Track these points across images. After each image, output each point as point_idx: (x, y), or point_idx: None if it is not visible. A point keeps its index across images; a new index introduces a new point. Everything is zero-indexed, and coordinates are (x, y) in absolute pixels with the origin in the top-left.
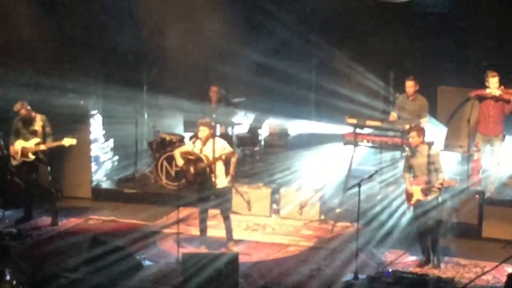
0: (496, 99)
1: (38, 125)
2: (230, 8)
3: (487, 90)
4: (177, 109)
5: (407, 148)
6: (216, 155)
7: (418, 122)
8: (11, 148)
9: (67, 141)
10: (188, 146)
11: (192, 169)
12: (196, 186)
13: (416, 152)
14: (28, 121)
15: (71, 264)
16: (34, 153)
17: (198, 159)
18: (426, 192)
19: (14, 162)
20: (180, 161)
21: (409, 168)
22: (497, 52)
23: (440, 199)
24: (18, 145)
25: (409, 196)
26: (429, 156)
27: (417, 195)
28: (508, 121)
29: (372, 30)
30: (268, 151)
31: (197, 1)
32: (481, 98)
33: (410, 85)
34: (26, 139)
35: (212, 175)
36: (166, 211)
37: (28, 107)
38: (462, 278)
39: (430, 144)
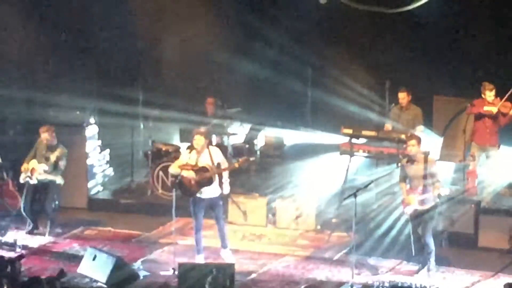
0: (494, 117)
1: (54, 155)
2: (225, 19)
3: (485, 108)
4: (173, 120)
5: (401, 157)
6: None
7: (413, 132)
8: (24, 165)
9: (60, 179)
10: (183, 157)
11: (194, 180)
12: (186, 194)
13: (413, 161)
14: (49, 147)
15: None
16: (39, 179)
17: (202, 169)
18: (422, 201)
19: (21, 179)
20: (178, 170)
21: (405, 177)
22: (492, 61)
23: (437, 208)
24: (31, 164)
25: (406, 205)
26: (425, 165)
27: (414, 204)
28: (503, 132)
29: (368, 41)
30: (264, 161)
31: (192, 13)
32: (480, 115)
33: (402, 97)
34: (39, 161)
35: (214, 184)
36: (162, 221)
37: (54, 134)
38: None
39: (426, 154)
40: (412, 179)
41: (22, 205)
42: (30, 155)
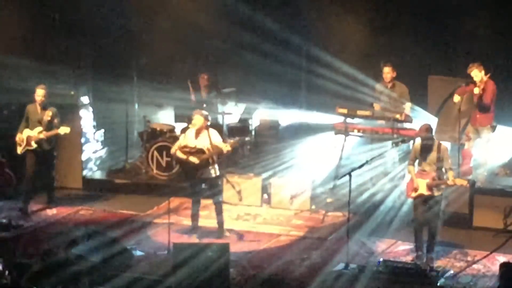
0: (478, 97)
1: (47, 115)
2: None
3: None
4: (167, 99)
5: (395, 137)
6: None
7: (402, 109)
8: (18, 135)
9: (62, 130)
10: (181, 139)
11: (196, 161)
12: (188, 176)
13: (425, 146)
14: (41, 108)
15: (62, 255)
16: (39, 143)
17: (200, 151)
18: (432, 187)
19: (18, 150)
20: (180, 154)
21: (415, 160)
22: (487, 40)
23: (443, 195)
24: (25, 133)
25: (411, 188)
26: (439, 151)
27: (422, 189)
28: (500, 111)
29: (363, 22)
30: (259, 141)
31: None
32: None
33: (387, 71)
34: (32, 128)
35: (212, 165)
36: (157, 201)
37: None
38: (453, 267)
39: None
40: (423, 164)
41: (26, 175)
42: (22, 125)
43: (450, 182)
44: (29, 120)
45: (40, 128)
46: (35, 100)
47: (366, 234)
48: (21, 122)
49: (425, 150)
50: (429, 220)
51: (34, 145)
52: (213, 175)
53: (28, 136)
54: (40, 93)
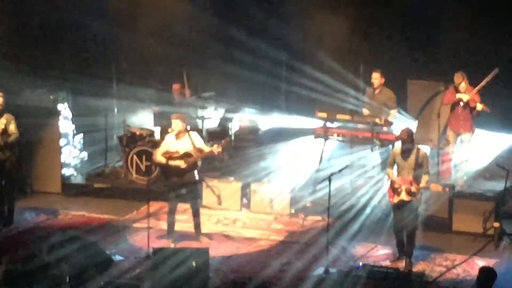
0: (465, 104)
1: (1, 123)
2: (201, 5)
3: (457, 96)
4: (146, 103)
5: (375, 141)
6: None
7: (387, 115)
8: None
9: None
10: (163, 144)
11: (182, 165)
12: (165, 180)
13: (405, 150)
14: None
15: (40, 260)
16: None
17: (186, 155)
18: (410, 192)
19: None
20: (163, 160)
21: (393, 164)
22: (467, 45)
23: (421, 200)
24: None
25: (392, 194)
26: (418, 156)
27: (402, 195)
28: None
29: (343, 25)
30: (238, 146)
31: None
32: (454, 104)
33: (375, 77)
34: None
35: (193, 169)
36: (136, 205)
37: (2, 102)
38: (433, 272)
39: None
40: (401, 168)
41: None
42: None
43: (425, 185)
44: None
45: None
46: None
47: (346, 239)
48: None
49: (405, 154)
50: (407, 224)
51: None
52: (195, 179)
53: None
54: None
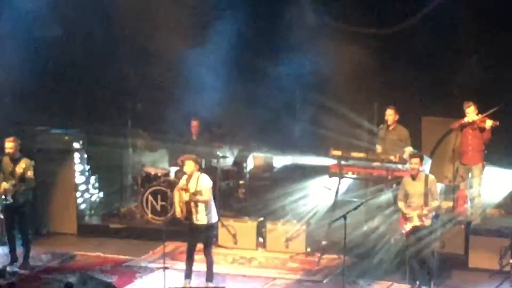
0: (473, 126)
1: (20, 167)
2: (213, 41)
3: (465, 119)
4: (161, 143)
5: (390, 179)
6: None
7: (401, 152)
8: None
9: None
10: (181, 181)
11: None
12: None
13: (414, 179)
14: (13, 161)
15: None
16: (14, 197)
17: (196, 193)
18: (422, 217)
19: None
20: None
21: (404, 196)
22: (480, 81)
23: (434, 224)
24: (2, 186)
25: (405, 222)
26: (426, 183)
27: (415, 221)
28: (490, 152)
29: (356, 63)
30: (253, 184)
31: (180, 34)
32: (462, 127)
33: (389, 113)
34: (6, 180)
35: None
36: (152, 245)
37: (18, 146)
38: None
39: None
40: (411, 197)
41: (5, 231)
42: (1, 177)
43: (434, 204)
44: (4, 172)
45: (12, 181)
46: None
47: (362, 276)
48: None
49: (411, 181)
50: (421, 250)
51: (10, 200)
52: (205, 222)
53: (4, 189)
54: (8, 145)
